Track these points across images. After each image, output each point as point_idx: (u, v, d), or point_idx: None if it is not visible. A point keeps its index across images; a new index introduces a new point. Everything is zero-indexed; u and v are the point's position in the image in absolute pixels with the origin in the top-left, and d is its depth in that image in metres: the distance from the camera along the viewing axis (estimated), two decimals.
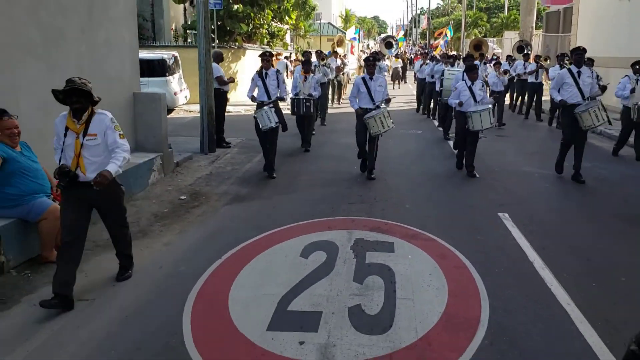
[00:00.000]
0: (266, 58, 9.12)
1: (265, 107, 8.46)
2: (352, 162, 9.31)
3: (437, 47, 37.76)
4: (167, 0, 21.32)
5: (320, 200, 7.32)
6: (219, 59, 11.37)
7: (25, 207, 5.13)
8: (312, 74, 11.26)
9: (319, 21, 44.85)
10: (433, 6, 77.47)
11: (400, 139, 12.14)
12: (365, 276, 4.83)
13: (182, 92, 16.45)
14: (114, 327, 4.02)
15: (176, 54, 16.84)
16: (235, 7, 18.40)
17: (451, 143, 11.34)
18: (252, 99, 9.17)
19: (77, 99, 4.32)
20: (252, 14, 19.09)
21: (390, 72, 28.59)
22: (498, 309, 4.25)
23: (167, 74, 15.70)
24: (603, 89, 8.54)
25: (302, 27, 24.95)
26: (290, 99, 11.28)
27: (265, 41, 20.59)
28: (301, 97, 10.62)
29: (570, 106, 8.17)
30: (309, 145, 11.13)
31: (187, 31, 20.22)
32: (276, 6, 19.78)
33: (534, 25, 27.44)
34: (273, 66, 9.46)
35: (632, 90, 9.79)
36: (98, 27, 7.37)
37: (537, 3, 43.21)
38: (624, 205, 7.29)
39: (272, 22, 21.03)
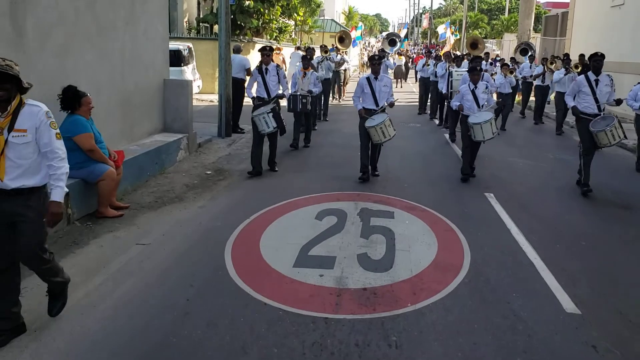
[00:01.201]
0: (266, 53, 8.86)
1: (263, 111, 8.24)
2: (356, 149, 10.27)
3: (443, 46, 38.57)
4: None
5: (328, 179, 8.33)
6: (239, 51, 12.35)
7: (88, 170, 6.13)
8: (311, 70, 11.08)
9: (322, 17, 45.75)
10: (435, 6, 78.29)
11: (400, 130, 13.07)
12: (370, 234, 5.87)
13: (195, 82, 17.40)
14: (171, 262, 5.04)
15: (190, 45, 17.79)
16: (247, 2, 19.37)
17: (446, 135, 12.36)
18: (253, 100, 8.95)
19: (1, 84, 3.37)
20: (262, 10, 20.07)
21: (394, 70, 29.17)
22: (477, 260, 5.29)
23: (182, 64, 16.64)
24: (618, 102, 8.05)
25: (308, 23, 25.86)
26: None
27: (274, 35, 21.56)
28: (299, 93, 10.39)
29: (585, 115, 7.84)
30: (309, 141, 11.08)
31: (200, 24, 21.17)
32: (285, 2, 20.75)
33: (531, 28, 28.39)
34: (273, 61, 9.29)
35: None
36: (138, 20, 8.36)
37: (536, 7, 44.19)
38: (598, 192, 8.31)
39: (280, 18, 21.98)
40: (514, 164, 9.89)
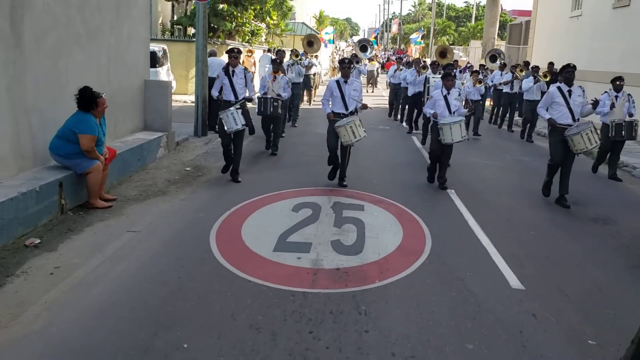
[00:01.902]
0: (234, 55, 8.63)
1: (231, 108, 8.04)
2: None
3: (410, 52, 39.51)
4: None
5: (303, 176, 8.88)
6: (215, 54, 12.82)
7: (76, 161, 6.52)
8: (281, 74, 10.81)
9: (293, 20, 46.26)
10: (405, 12, 79.67)
11: (370, 132, 13.71)
12: (342, 224, 6.45)
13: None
14: (160, 247, 5.53)
15: (165, 47, 18.14)
16: (221, 6, 19.81)
17: (415, 138, 13.04)
18: (218, 99, 8.80)
19: None
20: (235, 13, 20.53)
21: (366, 76, 29.73)
22: (437, 245, 5.91)
23: (157, 66, 16.97)
24: (595, 104, 8.28)
25: (280, 27, 26.41)
26: (257, 98, 10.50)
27: (247, 38, 22.05)
28: (269, 96, 10.13)
29: (560, 126, 7.87)
30: (277, 148, 10.80)
31: (174, 26, 21.52)
32: (258, 6, 21.26)
33: (496, 36, 29.50)
34: (241, 64, 9.17)
35: (612, 106, 9.86)
36: (123, 24, 8.79)
37: (501, 15, 45.58)
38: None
39: (253, 21, 22.47)
40: (476, 165, 10.60)
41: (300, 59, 15.13)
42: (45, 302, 4.24)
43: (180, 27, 21.20)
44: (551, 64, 15.76)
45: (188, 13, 20.93)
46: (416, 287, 4.85)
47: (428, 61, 19.20)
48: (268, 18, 22.22)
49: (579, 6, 19.38)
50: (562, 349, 3.96)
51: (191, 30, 20.76)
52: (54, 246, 5.41)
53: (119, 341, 3.75)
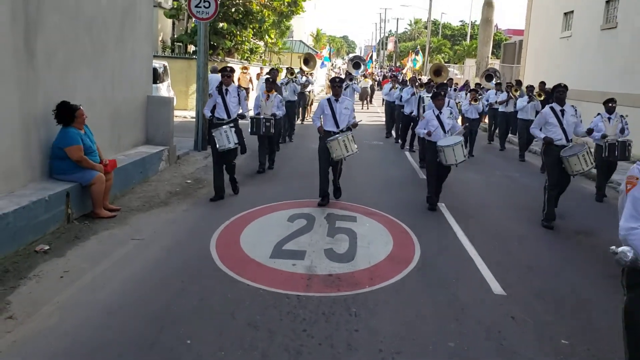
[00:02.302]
0: (227, 74, 8.68)
1: (225, 126, 8.06)
2: None
3: (405, 69, 39.91)
4: (156, 14, 23.04)
5: (298, 189, 9.21)
6: (216, 71, 13.22)
7: (78, 175, 6.85)
8: (275, 93, 10.71)
9: (291, 39, 46.92)
10: (401, 30, 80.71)
11: (364, 148, 14.15)
12: (335, 234, 6.78)
13: None
14: (163, 254, 5.85)
15: (166, 63, 18.57)
16: (221, 24, 20.28)
17: (407, 154, 13.41)
18: (210, 119, 8.71)
19: None
20: (235, 31, 21.01)
21: (360, 93, 29.94)
22: (426, 255, 6.24)
23: (157, 82, 17.38)
24: (589, 130, 8.18)
25: (278, 45, 26.93)
26: (250, 118, 10.15)
27: (245, 56, 22.52)
28: (262, 116, 9.98)
29: (555, 146, 7.81)
30: (273, 162, 11.06)
31: (175, 43, 21.98)
32: (257, 25, 21.75)
33: (489, 55, 30.08)
34: (234, 82, 9.14)
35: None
36: (127, 42, 9.18)
37: (496, 34, 46.23)
38: (535, 204, 9.40)
39: (252, 40, 22.97)
40: (466, 180, 10.95)
41: (295, 77, 15.20)
42: (57, 302, 4.55)
43: (180, 44, 21.65)
44: (542, 83, 16.17)
45: (188, 31, 21.39)
46: (404, 292, 5.18)
47: (424, 79, 19.40)
48: (267, 37, 22.69)
49: (569, 27, 19.91)
50: (536, 346, 4.28)
51: (191, 48, 21.22)
52: (63, 252, 5.72)
53: (127, 337, 4.06)
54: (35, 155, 6.67)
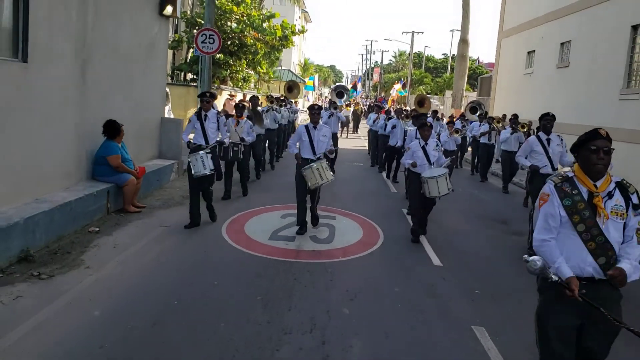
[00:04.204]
0: (206, 99, 8.68)
1: (201, 152, 7.99)
2: None
3: (389, 99, 41.93)
4: None
5: (287, 198, 11.01)
6: (215, 97, 15.14)
7: (116, 177, 8.70)
8: (245, 119, 10.88)
9: (279, 67, 49.08)
10: (386, 61, 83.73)
11: (345, 167, 16.14)
12: (318, 227, 8.64)
13: None
14: (186, 236, 7.68)
15: (167, 89, 20.47)
16: (218, 56, 22.30)
17: (384, 174, 15.35)
18: (188, 144, 8.58)
19: None
20: (230, 62, 23.04)
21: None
22: (388, 242, 8.11)
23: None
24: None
25: (269, 74, 29.03)
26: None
27: (239, 84, 24.55)
28: (230, 141, 9.90)
29: (540, 174, 7.90)
30: (246, 190, 10.97)
31: (174, 71, 23.92)
32: (251, 57, 23.81)
33: (464, 88, 32.43)
34: (213, 108, 9.09)
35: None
36: (148, 73, 11.10)
37: (478, 67, 48.85)
38: (501, 221, 11.32)
39: (245, 69, 25.03)
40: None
41: (275, 105, 15.01)
42: (117, 260, 6.37)
43: (179, 72, 23.58)
44: (515, 116, 15.98)
45: (187, 60, 23.36)
46: (367, 262, 7.07)
47: (408, 108, 20.05)
48: (259, 67, 24.76)
49: (531, 65, 22.22)
50: (456, 293, 6.15)
51: (189, 76, 23.14)
52: (110, 233, 7.53)
53: (172, 280, 5.90)
54: (83, 161, 8.50)
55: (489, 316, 5.52)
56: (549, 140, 8.16)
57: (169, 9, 11.49)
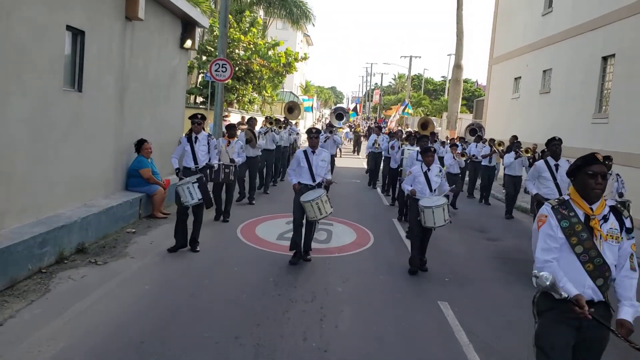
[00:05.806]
0: (197, 121, 8.49)
1: (188, 181, 7.91)
2: None
3: (391, 117, 43.12)
4: None
5: (291, 208, 12.54)
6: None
7: (147, 188, 10.22)
8: (236, 139, 10.90)
9: (282, 90, 50.81)
10: (385, 83, 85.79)
11: (342, 184, 17.62)
12: (318, 231, 10.11)
13: None
14: (207, 236, 9.12)
15: None
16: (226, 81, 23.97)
17: (379, 189, 16.84)
18: (177, 171, 8.53)
19: None
20: (237, 86, 24.71)
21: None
22: (378, 244, 9.58)
23: None
24: None
25: (273, 98, 30.71)
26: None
27: (245, 107, 26.20)
28: (221, 162, 9.73)
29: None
30: (228, 215, 10.54)
31: (186, 94, 25.63)
32: (257, 81, 25.50)
33: (459, 110, 34.02)
34: (204, 130, 8.91)
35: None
36: (170, 96, 12.67)
37: (476, 90, 50.43)
38: (488, 241, 12.76)
39: (251, 93, 26.72)
40: None
41: (273, 127, 14.97)
42: (156, 251, 7.87)
43: (189, 94, 25.23)
44: (515, 137, 16.83)
45: (197, 85, 25.02)
46: (359, 258, 8.54)
47: (409, 130, 20.05)
48: (264, 91, 26.45)
49: (518, 90, 23.83)
50: (431, 280, 7.61)
51: (199, 99, 24.76)
52: (145, 233, 9.02)
53: (202, 264, 7.38)
54: (119, 173, 10.01)
55: (452, 294, 6.97)
56: (557, 166, 7.85)
57: (188, 43, 13.13)
